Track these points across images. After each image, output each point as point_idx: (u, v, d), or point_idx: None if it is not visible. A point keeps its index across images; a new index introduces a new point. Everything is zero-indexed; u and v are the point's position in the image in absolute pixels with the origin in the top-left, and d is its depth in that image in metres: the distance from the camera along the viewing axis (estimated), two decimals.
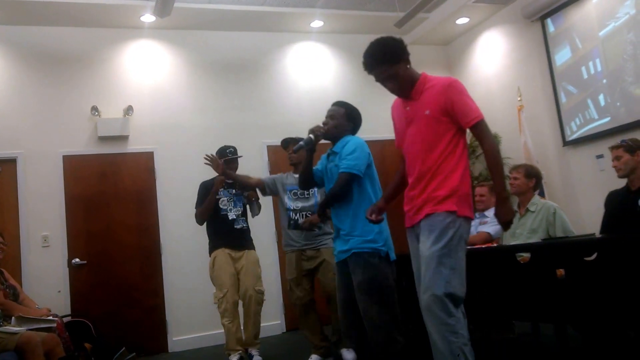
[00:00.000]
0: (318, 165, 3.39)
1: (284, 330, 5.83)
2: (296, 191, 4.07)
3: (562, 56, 5.65)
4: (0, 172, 5.23)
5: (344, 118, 3.22)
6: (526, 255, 3.23)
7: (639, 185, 3.48)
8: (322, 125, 3.21)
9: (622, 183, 3.66)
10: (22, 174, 5.27)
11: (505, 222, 2.40)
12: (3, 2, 5.07)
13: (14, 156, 5.28)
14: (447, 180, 2.41)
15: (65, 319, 4.31)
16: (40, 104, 5.46)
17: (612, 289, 2.57)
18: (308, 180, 3.35)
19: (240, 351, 4.19)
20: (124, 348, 4.47)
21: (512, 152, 5.92)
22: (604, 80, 5.21)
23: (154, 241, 5.58)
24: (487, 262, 3.31)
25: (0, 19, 5.34)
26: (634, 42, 4.88)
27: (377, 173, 3.23)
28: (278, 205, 4.39)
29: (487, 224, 4.21)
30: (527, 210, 3.81)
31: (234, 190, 4.39)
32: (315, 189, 4.00)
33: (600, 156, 5.21)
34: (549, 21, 5.77)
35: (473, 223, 3.69)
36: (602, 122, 5.25)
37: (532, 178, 3.87)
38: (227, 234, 4.31)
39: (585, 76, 5.39)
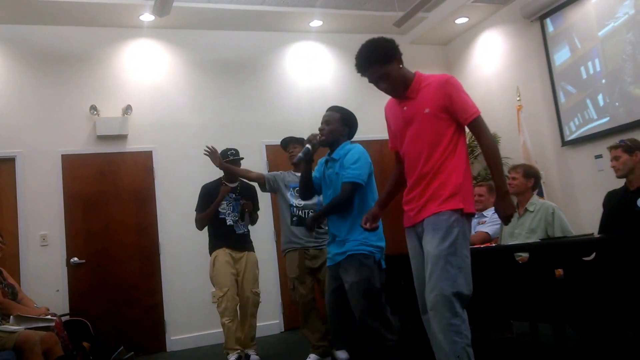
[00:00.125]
0: (315, 172, 3.39)
1: (282, 330, 5.83)
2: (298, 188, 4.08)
3: (561, 56, 5.65)
4: None
5: (339, 123, 3.24)
6: (525, 255, 3.23)
7: (638, 185, 3.48)
8: (318, 132, 3.22)
9: (620, 183, 3.66)
10: (20, 173, 5.26)
11: (506, 217, 2.40)
12: (2, 1, 5.05)
13: (13, 155, 5.27)
14: (451, 178, 2.40)
15: (63, 318, 4.32)
16: (39, 103, 5.45)
17: (611, 289, 2.57)
18: (309, 190, 3.35)
19: (239, 350, 4.18)
20: (122, 347, 4.49)
21: (511, 152, 5.92)
22: (603, 80, 5.21)
23: (152, 240, 5.58)
24: (485, 262, 3.30)
25: None
26: (633, 42, 4.88)
27: (375, 182, 3.24)
28: (277, 205, 4.38)
29: (485, 224, 4.21)
30: (526, 210, 3.80)
31: (233, 195, 4.38)
32: None
33: (599, 156, 5.21)
34: (548, 21, 5.77)
35: (472, 223, 3.69)
36: (601, 122, 5.25)
37: (531, 178, 3.86)
38: (227, 236, 4.31)
39: (585, 76, 5.39)
